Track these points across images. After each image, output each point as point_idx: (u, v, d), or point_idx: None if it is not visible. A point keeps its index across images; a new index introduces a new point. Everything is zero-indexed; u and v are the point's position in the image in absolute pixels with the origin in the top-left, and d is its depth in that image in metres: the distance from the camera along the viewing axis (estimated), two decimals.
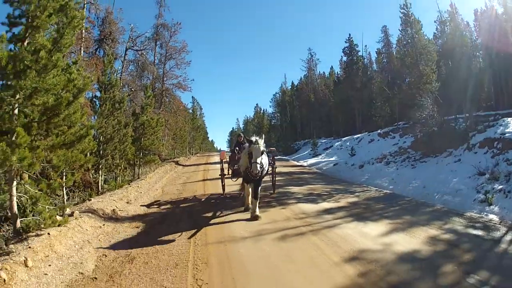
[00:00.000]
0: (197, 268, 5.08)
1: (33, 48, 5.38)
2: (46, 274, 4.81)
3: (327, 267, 4.87)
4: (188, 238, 6.63)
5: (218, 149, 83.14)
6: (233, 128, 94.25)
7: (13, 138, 5.57)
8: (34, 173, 6.48)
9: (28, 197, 6.36)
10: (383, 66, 36.37)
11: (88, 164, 7.85)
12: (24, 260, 4.78)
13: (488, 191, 8.97)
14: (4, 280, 4.20)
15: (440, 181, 11.62)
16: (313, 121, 47.54)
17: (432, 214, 8.12)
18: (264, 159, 7.94)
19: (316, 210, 8.87)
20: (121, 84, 21.11)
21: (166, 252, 5.86)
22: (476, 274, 4.49)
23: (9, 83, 5.41)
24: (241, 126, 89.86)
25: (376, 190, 12.40)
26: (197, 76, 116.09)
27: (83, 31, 18.00)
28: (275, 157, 11.87)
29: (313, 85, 50.28)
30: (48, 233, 5.95)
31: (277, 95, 63.47)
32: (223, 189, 11.17)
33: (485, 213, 8.01)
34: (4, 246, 5.50)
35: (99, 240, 6.65)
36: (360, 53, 38.88)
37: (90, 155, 9.23)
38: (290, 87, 57.29)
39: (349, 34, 39.74)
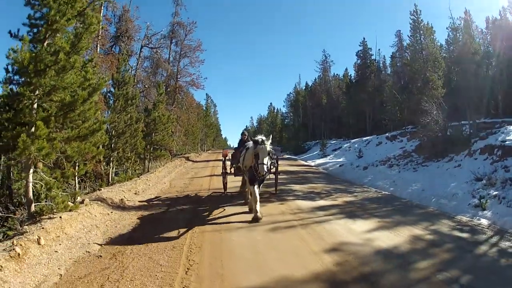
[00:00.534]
0: (191, 251, 5.63)
1: (52, 50, 5.99)
2: (56, 251, 5.41)
3: (306, 256, 5.33)
4: (187, 226, 7.16)
5: (232, 146, 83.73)
6: (246, 126, 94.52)
7: (32, 130, 6.22)
8: (49, 162, 7.12)
9: (43, 184, 6.97)
10: (397, 70, 36.47)
11: (99, 156, 8.50)
12: (37, 239, 5.40)
13: (483, 196, 9.07)
14: (19, 255, 4.77)
15: (439, 185, 11.77)
16: (325, 122, 47.82)
17: (422, 216, 8.36)
18: (269, 160, 7.71)
19: (311, 206, 9.27)
20: (135, 81, 21.81)
21: (165, 237, 6.42)
22: (448, 272, 4.73)
23: (30, 80, 6.02)
24: (255, 124, 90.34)
25: (375, 191, 12.67)
26: (213, 74, 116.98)
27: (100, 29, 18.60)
28: (280, 157, 12.09)
29: (326, 87, 50.60)
30: (60, 217, 6.57)
31: (291, 95, 63.98)
32: (225, 187, 11.11)
33: (477, 217, 8.12)
34: (19, 227, 6.16)
35: (106, 225, 7.25)
36: (373, 57, 39.27)
37: (102, 147, 9.83)
38: (304, 87, 57.65)
39: (363, 38, 40.53)
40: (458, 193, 10.24)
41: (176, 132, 28.10)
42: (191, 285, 4.36)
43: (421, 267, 4.97)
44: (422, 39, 22.54)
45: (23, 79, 6.31)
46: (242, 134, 11.41)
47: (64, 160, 7.61)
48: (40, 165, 7.03)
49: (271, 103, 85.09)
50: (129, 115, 13.57)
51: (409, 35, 24.91)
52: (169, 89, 28.18)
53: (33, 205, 6.78)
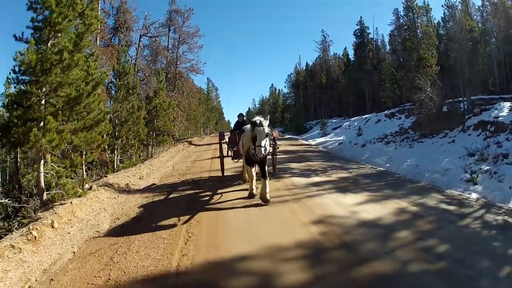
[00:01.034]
0: (190, 225, 6.21)
1: (57, 49, 6.46)
2: (69, 233, 5.99)
3: (295, 226, 5.86)
4: (188, 205, 7.75)
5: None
6: (249, 108, 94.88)
7: (41, 124, 6.75)
8: (58, 153, 7.67)
9: (54, 173, 7.53)
10: (395, 48, 36.55)
11: (104, 144, 9.07)
12: (51, 223, 5.97)
13: (474, 171, 9.30)
14: (35, 237, 5.34)
15: (433, 160, 12.06)
16: (325, 102, 48.20)
17: (412, 190, 8.65)
18: (267, 141, 7.50)
19: (306, 183, 9.73)
20: (136, 70, 22.16)
21: (168, 215, 6.96)
22: (426, 241, 5.07)
23: (37, 79, 6.51)
24: (257, 106, 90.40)
25: (371, 167, 13.06)
26: (213, 58, 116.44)
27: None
28: (279, 137, 12.26)
29: (326, 66, 50.67)
30: (71, 202, 7.15)
31: (292, 75, 64.01)
32: (222, 171, 11.05)
33: (468, 191, 8.31)
34: (33, 214, 6.72)
35: (113, 208, 7.82)
36: (371, 36, 39.43)
37: (106, 136, 10.34)
38: (305, 67, 57.69)
39: (360, 17, 40.44)
40: (451, 168, 10.49)
41: (178, 117, 28.58)
42: (190, 253, 4.92)
43: (401, 236, 5.33)
44: (415, 18, 22.61)
45: (30, 78, 6.80)
46: (239, 116, 11.31)
47: (71, 150, 8.15)
48: (49, 156, 7.59)
49: (272, 84, 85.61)
50: (131, 103, 14.05)
51: (401, 15, 24.98)
52: (169, 76, 28.60)
53: (45, 193, 7.36)
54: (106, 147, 11.86)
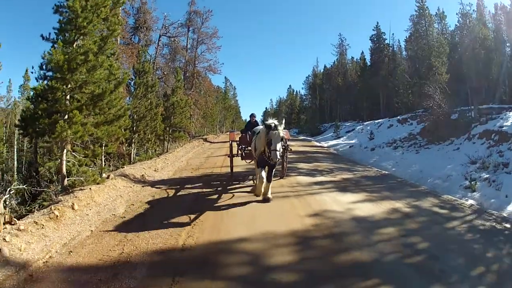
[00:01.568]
0: (198, 213, 6.85)
1: (82, 50, 7.21)
2: (87, 214, 6.70)
3: (292, 218, 6.44)
4: (198, 196, 8.43)
5: None
6: (266, 108, 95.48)
7: (66, 117, 7.51)
8: (81, 143, 8.44)
9: (76, 161, 8.30)
10: (410, 54, 36.70)
11: (124, 137, 9.83)
12: (72, 205, 6.71)
13: (474, 178, 9.43)
14: (57, 216, 6.04)
15: (436, 166, 12.27)
16: (341, 105, 48.58)
17: (410, 193, 8.87)
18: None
19: (309, 181, 10.19)
20: (155, 68, 22.99)
21: (178, 204, 7.72)
22: (409, 238, 5.43)
23: (64, 76, 7.28)
24: (274, 106, 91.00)
25: (376, 170, 13.35)
26: (233, 57, 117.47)
27: None
28: (289, 139, 12.44)
29: (343, 70, 51.00)
30: (90, 188, 7.90)
31: (309, 77, 64.49)
32: (232, 171, 10.83)
33: (466, 198, 8.49)
34: (54, 197, 7.50)
35: (129, 195, 8.53)
36: (387, 41, 39.67)
37: (125, 130, 11.09)
38: (323, 70, 58.00)
39: (377, 22, 41.39)
40: (452, 175, 10.70)
41: (194, 115, 29.39)
42: (195, 235, 5.59)
43: (386, 232, 5.74)
44: (426, 26, 22.83)
45: (55, 75, 7.58)
46: (251, 116, 11.15)
47: (93, 141, 8.93)
48: (69, 146, 8.37)
49: (290, 86, 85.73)
50: (149, 101, 14.88)
51: (412, 23, 25.21)
52: (187, 75, 29.56)
53: (66, 179, 8.16)
54: (124, 140, 12.61)
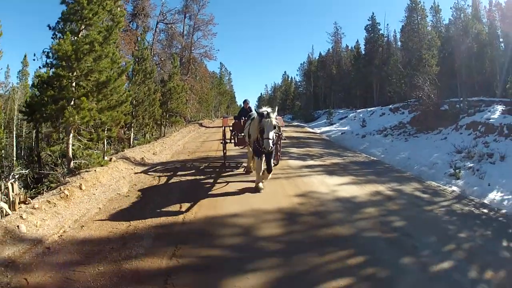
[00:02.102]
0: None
1: (88, 40, 7.71)
2: (94, 194, 7.28)
3: (280, 197, 7.05)
4: (195, 177, 9.05)
5: None
6: (261, 93, 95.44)
7: (71, 103, 8.06)
8: (86, 127, 9.01)
9: (82, 145, 8.87)
10: (404, 45, 37.22)
11: (126, 121, 10.36)
12: (79, 185, 7.29)
13: (459, 167, 9.94)
14: (67, 196, 6.61)
15: (424, 154, 12.88)
16: (335, 92, 49.14)
17: (395, 178, 9.41)
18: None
19: (299, 165, 10.76)
20: (152, 54, 23.37)
21: (177, 184, 8.36)
22: (388, 217, 6.00)
23: (71, 65, 7.81)
24: (270, 92, 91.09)
25: (365, 156, 13.96)
26: (229, 43, 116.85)
27: None
28: (283, 125, 12.64)
29: (337, 58, 51.40)
30: (95, 170, 8.48)
31: (304, 64, 64.58)
32: (224, 157, 10.60)
33: (449, 185, 9.00)
34: (62, 179, 8.07)
35: (131, 176, 9.11)
36: (381, 32, 40.26)
37: (126, 115, 11.61)
38: (318, 57, 58.23)
39: (372, 13, 41.80)
40: (438, 163, 11.31)
41: (190, 100, 29.90)
42: (193, 210, 6.25)
43: (367, 212, 6.31)
44: (418, 19, 23.27)
45: (61, 63, 8.10)
46: (244, 102, 10.99)
47: (96, 126, 9.48)
48: (72, 131, 8.92)
49: (285, 72, 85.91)
50: (147, 87, 15.38)
51: (406, 15, 25.63)
52: (183, 61, 30.02)
53: (72, 162, 8.77)
54: (124, 125, 13.15)
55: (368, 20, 40.29)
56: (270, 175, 7.63)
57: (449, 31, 25.01)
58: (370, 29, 40.12)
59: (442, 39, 24.54)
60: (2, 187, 6.60)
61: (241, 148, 10.81)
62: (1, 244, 4.46)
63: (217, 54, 41.54)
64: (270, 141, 6.72)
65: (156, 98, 16.42)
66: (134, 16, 25.42)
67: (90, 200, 6.89)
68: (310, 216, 6.06)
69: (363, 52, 42.67)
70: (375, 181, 8.96)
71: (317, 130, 28.51)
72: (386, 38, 41.01)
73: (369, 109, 30.21)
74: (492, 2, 25.83)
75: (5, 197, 6.10)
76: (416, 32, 23.43)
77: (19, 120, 29.63)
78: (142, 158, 11.51)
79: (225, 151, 10.47)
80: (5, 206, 5.88)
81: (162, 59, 27.69)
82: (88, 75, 8.21)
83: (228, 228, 5.46)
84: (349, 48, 52.44)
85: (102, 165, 8.99)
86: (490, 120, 13.19)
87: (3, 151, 23.31)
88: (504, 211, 6.88)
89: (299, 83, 69.75)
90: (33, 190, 9.10)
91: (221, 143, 10.47)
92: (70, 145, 8.73)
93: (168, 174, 9.50)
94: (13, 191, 6.50)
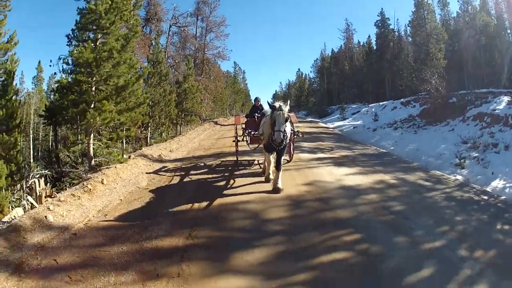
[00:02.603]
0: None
1: (107, 48, 8.33)
2: (115, 188, 7.85)
3: (289, 186, 7.47)
4: (209, 172, 9.50)
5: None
6: (276, 91, 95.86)
7: (92, 106, 8.70)
8: (106, 128, 9.65)
9: (103, 144, 9.52)
10: (413, 40, 37.19)
11: (143, 122, 10.97)
12: (101, 180, 7.88)
13: (464, 157, 10.20)
14: (90, 189, 7.21)
15: (431, 146, 13.10)
16: (348, 88, 49.33)
17: (401, 168, 9.71)
18: (287, 127, 7.28)
19: (310, 158, 11.11)
20: (166, 57, 24.07)
21: (192, 178, 8.85)
22: (388, 203, 6.36)
23: (91, 71, 8.44)
24: (284, 89, 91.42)
25: (375, 149, 14.26)
26: (243, 42, 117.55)
27: None
28: (296, 122, 12.53)
29: (350, 54, 51.56)
30: (115, 167, 9.09)
31: (318, 61, 65.04)
32: (237, 155, 10.52)
33: (454, 174, 9.19)
34: (84, 175, 8.71)
35: (149, 171, 9.69)
36: (391, 26, 40.48)
37: (143, 116, 12.25)
38: (330, 54, 58.49)
39: (381, 9, 42.32)
40: (445, 153, 11.52)
41: (205, 99, 30.58)
42: (208, 197, 6.84)
43: (368, 198, 6.69)
44: (425, 14, 23.33)
45: (80, 70, 8.74)
46: (256, 100, 10.90)
47: (116, 126, 10.12)
48: (93, 132, 9.57)
49: (299, 69, 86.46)
50: (162, 88, 16.06)
51: (414, 10, 25.69)
52: (197, 62, 30.78)
53: (93, 160, 9.45)
54: (141, 124, 13.81)
55: (378, 15, 40.62)
56: (281, 173, 7.37)
57: (457, 24, 24.97)
58: (380, 24, 40.37)
59: (450, 32, 24.50)
60: (24, 185, 7.22)
61: (254, 148, 10.18)
62: (30, 232, 4.99)
63: (230, 54, 42.67)
64: (281, 133, 6.60)
65: (171, 98, 17.13)
66: (147, 21, 26.25)
67: (111, 193, 7.45)
68: (315, 202, 6.54)
69: (374, 48, 42.86)
70: (381, 171, 9.25)
71: (330, 125, 28.85)
72: (396, 33, 41.06)
73: (381, 103, 30.22)
74: None
75: (27, 194, 6.68)
76: (423, 26, 23.45)
77: (35, 124, 30.96)
78: (160, 155, 12.08)
79: (237, 148, 10.36)
80: (32, 200, 6.52)
81: (176, 61, 28.49)
82: (107, 80, 8.86)
83: (239, 213, 5.99)
84: (361, 43, 52.65)
85: (121, 162, 9.60)
86: (496, 111, 13.29)
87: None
88: (503, 197, 7.11)
89: (313, 80, 70.15)
90: (55, 188, 9.71)
91: (233, 141, 10.38)
92: (91, 145, 9.39)
93: (185, 168, 10.06)
94: (39, 187, 7.17)
